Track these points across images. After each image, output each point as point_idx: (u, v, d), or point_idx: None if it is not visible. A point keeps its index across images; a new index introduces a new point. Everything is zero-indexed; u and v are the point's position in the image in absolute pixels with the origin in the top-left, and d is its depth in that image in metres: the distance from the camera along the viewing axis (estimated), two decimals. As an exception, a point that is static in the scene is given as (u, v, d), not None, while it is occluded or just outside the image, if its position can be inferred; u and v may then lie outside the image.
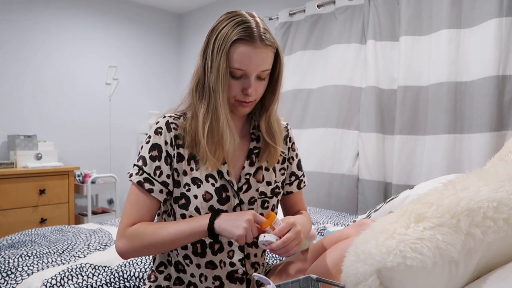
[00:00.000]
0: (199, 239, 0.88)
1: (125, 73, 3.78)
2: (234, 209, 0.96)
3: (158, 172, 0.93)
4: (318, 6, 2.74)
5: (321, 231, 1.76)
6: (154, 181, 0.92)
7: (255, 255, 1.02)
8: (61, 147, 3.35)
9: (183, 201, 0.95)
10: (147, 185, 0.92)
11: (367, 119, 2.39)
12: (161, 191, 0.93)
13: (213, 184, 0.95)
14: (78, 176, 3.35)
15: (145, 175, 0.92)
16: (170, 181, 0.94)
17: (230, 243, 0.97)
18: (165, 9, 4.12)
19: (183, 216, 0.95)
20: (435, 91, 2.12)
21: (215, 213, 0.88)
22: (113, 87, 3.67)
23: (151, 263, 1.07)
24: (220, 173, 0.96)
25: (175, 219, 0.97)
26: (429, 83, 2.17)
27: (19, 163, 2.94)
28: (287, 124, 1.12)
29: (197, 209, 0.94)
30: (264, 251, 1.05)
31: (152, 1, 3.88)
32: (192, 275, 0.98)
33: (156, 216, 1.03)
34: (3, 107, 3.08)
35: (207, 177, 0.95)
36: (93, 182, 3.30)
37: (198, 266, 0.97)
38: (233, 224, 0.84)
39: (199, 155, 0.94)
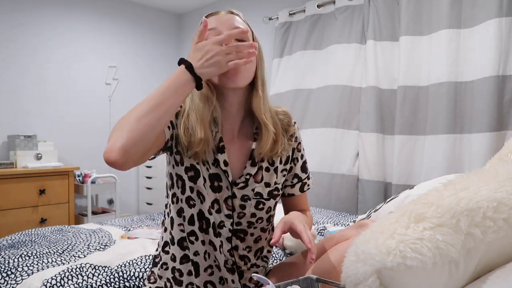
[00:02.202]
0: (186, 84, 0.78)
1: (125, 73, 3.78)
2: (226, 201, 0.97)
3: None
4: (318, 6, 2.74)
5: (321, 231, 1.76)
6: None
7: (243, 249, 1.02)
8: (61, 147, 3.35)
9: (192, 173, 0.95)
10: None
11: (367, 119, 2.39)
12: (168, 128, 0.90)
13: (207, 169, 0.95)
14: (78, 176, 3.35)
15: None
16: (175, 129, 0.93)
17: (219, 234, 0.97)
18: (165, 9, 4.12)
19: (192, 189, 0.95)
20: (435, 91, 2.12)
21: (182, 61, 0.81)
22: (113, 87, 3.67)
23: (150, 264, 1.06)
24: (216, 161, 0.95)
25: (183, 191, 0.96)
26: (429, 83, 2.17)
27: (19, 163, 2.94)
28: (295, 122, 1.09)
29: (205, 185, 0.95)
30: (249, 247, 1.04)
31: (152, 1, 3.88)
32: (196, 253, 0.98)
33: (166, 198, 1.03)
34: (3, 107, 3.08)
35: (203, 160, 0.95)
36: (93, 182, 3.30)
37: (203, 243, 0.98)
38: (206, 57, 0.79)
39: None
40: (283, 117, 1.06)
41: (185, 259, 0.99)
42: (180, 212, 0.98)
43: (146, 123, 0.74)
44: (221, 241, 0.98)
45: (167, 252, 1.02)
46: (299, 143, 1.08)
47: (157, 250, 1.07)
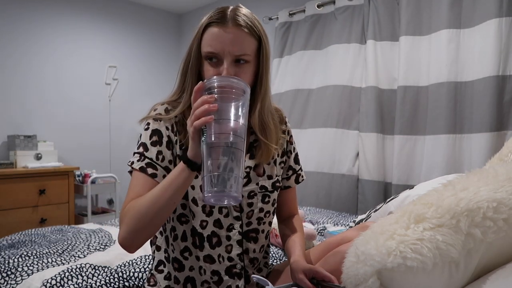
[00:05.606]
0: (186, 180, 0.79)
1: (125, 73, 3.78)
2: None
3: (160, 157, 0.90)
4: (318, 6, 2.74)
5: (321, 231, 1.76)
6: (157, 165, 0.89)
7: (254, 251, 1.01)
8: (61, 147, 3.35)
9: None
10: (150, 170, 0.88)
11: (367, 119, 2.39)
12: (164, 177, 0.88)
13: None
14: (78, 176, 3.34)
15: (147, 160, 0.89)
16: (172, 167, 0.90)
17: (228, 237, 0.96)
18: (165, 9, 4.11)
19: (183, 206, 0.94)
20: (435, 91, 2.12)
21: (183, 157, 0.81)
22: (113, 87, 3.66)
23: (150, 265, 1.06)
24: None
25: (175, 210, 0.95)
26: (429, 83, 2.17)
27: (19, 163, 2.94)
28: (286, 117, 1.09)
29: (194, 201, 0.93)
30: (262, 246, 1.04)
31: (152, 1, 3.88)
32: (191, 268, 0.97)
33: None
34: (3, 107, 3.08)
35: None
36: (93, 182, 3.29)
37: (197, 258, 0.96)
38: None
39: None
40: (276, 116, 1.05)
41: (175, 279, 0.98)
42: (171, 231, 0.97)
43: (151, 222, 0.81)
44: (230, 245, 0.96)
45: (161, 271, 1.01)
46: (291, 136, 1.10)
47: (150, 271, 1.06)
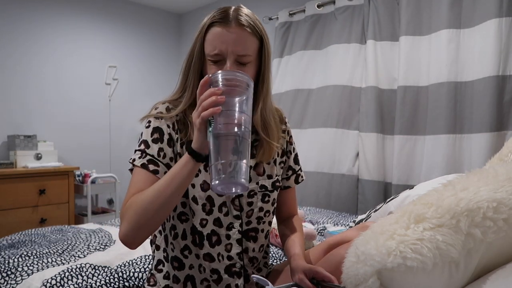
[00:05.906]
0: (190, 173, 0.79)
1: (125, 73, 3.78)
2: (233, 201, 0.96)
3: (161, 154, 0.90)
4: (318, 6, 2.74)
5: (321, 231, 1.76)
6: (158, 162, 0.90)
7: (253, 250, 1.01)
8: (61, 147, 3.35)
9: None
10: (151, 167, 0.89)
11: (367, 119, 2.39)
12: (165, 173, 0.87)
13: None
14: (78, 176, 3.34)
15: (148, 157, 0.89)
16: (173, 164, 0.91)
17: (228, 236, 0.96)
18: (165, 9, 4.11)
19: (183, 205, 0.95)
20: (435, 91, 2.12)
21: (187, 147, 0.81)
22: (113, 87, 3.66)
23: (150, 264, 1.06)
24: None
25: (175, 208, 0.96)
26: (429, 83, 2.17)
27: (19, 163, 2.94)
28: (285, 117, 1.11)
29: (194, 199, 0.93)
30: (262, 246, 1.04)
31: (152, 1, 3.88)
32: (191, 267, 0.97)
33: None
34: (3, 107, 3.08)
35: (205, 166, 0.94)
36: (93, 182, 3.30)
37: (197, 256, 0.96)
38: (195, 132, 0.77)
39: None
40: (276, 116, 1.06)
41: (175, 278, 0.98)
42: (171, 230, 0.98)
43: (152, 217, 0.80)
44: (230, 244, 0.97)
45: (160, 271, 1.01)
46: (291, 136, 1.11)
47: (149, 270, 1.07)
